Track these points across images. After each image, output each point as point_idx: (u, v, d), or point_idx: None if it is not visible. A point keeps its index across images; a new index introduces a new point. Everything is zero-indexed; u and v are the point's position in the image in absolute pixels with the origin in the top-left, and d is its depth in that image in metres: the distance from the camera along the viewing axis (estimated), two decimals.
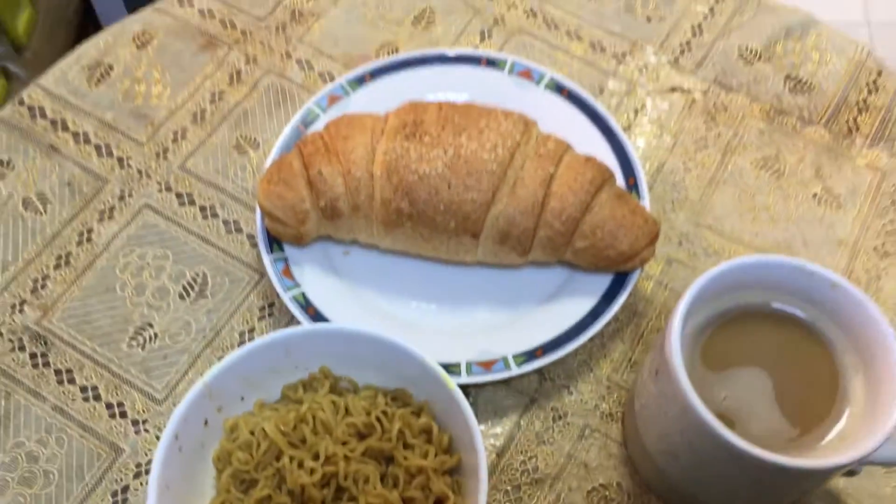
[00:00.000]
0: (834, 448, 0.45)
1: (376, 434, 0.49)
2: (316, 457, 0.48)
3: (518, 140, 0.56)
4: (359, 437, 0.49)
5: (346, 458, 0.48)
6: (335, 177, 0.56)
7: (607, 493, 0.54)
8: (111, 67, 0.70)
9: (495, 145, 0.56)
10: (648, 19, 0.73)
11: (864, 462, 0.47)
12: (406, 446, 0.49)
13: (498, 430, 0.56)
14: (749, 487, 0.46)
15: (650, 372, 0.49)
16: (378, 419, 0.49)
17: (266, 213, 0.57)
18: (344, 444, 0.48)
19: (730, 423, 0.45)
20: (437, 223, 0.56)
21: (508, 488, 0.54)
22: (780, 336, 0.48)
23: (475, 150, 0.55)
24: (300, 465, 0.47)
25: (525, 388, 0.57)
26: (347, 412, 0.50)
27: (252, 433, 0.49)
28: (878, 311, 0.45)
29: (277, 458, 0.48)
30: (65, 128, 0.67)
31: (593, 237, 0.56)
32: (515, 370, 0.55)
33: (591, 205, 0.56)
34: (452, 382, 0.49)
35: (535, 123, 0.58)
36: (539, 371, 0.58)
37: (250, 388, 0.51)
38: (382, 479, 0.48)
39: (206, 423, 0.50)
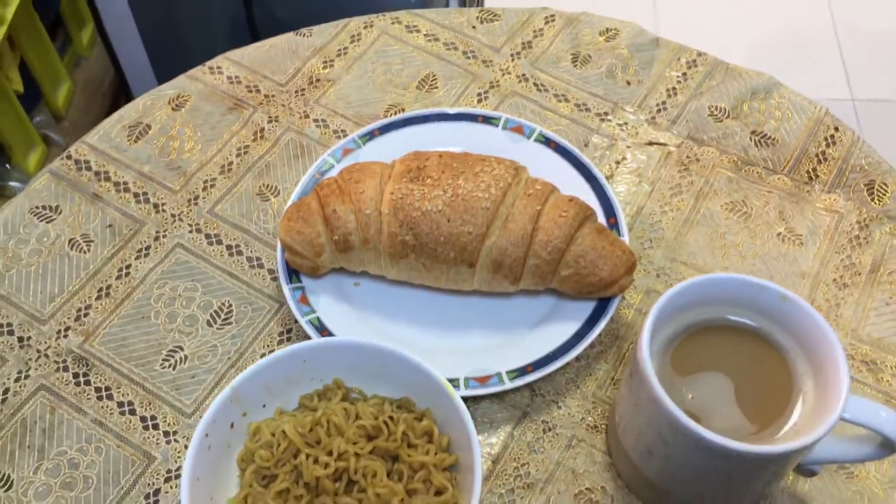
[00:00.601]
0: (788, 440, 0.51)
1: (383, 435, 0.55)
2: (329, 454, 0.54)
3: (510, 182, 0.64)
4: (367, 438, 0.55)
5: (357, 455, 0.54)
6: (348, 214, 0.64)
7: (593, 495, 0.60)
8: (149, 127, 0.79)
9: (489, 185, 0.63)
10: (628, 83, 0.82)
11: (816, 460, 0.53)
12: (410, 446, 0.55)
13: (493, 440, 0.62)
14: (714, 478, 0.51)
15: (627, 379, 0.55)
16: (385, 423, 0.56)
17: (286, 247, 0.65)
18: (354, 443, 0.54)
19: (695, 420, 0.51)
20: (437, 254, 0.63)
21: (503, 491, 0.60)
22: (738, 344, 0.55)
23: (471, 189, 0.63)
24: (315, 461, 0.53)
25: (518, 403, 0.64)
26: (358, 417, 0.56)
27: (273, 435, 0.55)
28: (824, 321, 0.52)
29: (295, 456, 0.54)
30: (107, 178, 0.75)
31: (577, 265, 0.63)
32: (508, 384, 0.61)
33: (574, 237, 0.63)
34: (451, 388, 0.55)
35: (525, 169, 0.66)
36: (530, 387, 0.64)
37: (271, 397, 0.58)
38: (389, 474, 0.54)
39: (232, 426, 0.56)
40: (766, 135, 0.78)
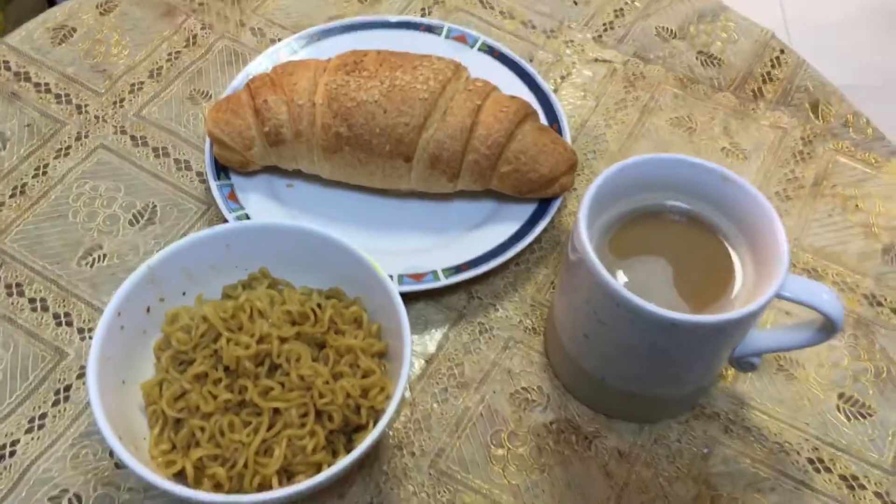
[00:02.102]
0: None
1: (309, 322, 0.52)
2: (251, 337, 0.51)
3: (449, 76, 0.62)
4: (293, 325, 0.52)
5: (280, 339, 0.51)
6: (279, 105, 0.61)
7: (529, 395, 0.58)
8: (74, 30, 0.75)
9: (428, 78, 0.61)
10: (575, 3, 0.80)
11: (755, 349, 0.52)
12: (337, 332, 0.53)
13: (427, 340, 0.60)
14: (649, 358, 0.50)
15: (565, 264, 0.53)
16: (312, 309, 0.53)
17: (214, 140, 0.62)
18: (279, 328, 0.51)
19: None
20: (373, 146, 0.60)
21: (436, 391, 0.58)
22: (676, 229, 0.53)
23: (409, 81, 0.61)
24: (236, 345, 0.50)
25: (454, 305, 0.61)
26: (283, 303, 0.53)
27: (192, 319, 0.52)
28: (765, 199, 0.50)
29: (215, 341, 0.51)
30: (27, 79, 0.71)
31: (517, 162, 0.61)
32: (444, 281, 0.59)
33: (514, 133, 0.61)
34: (381, 270, 0.52)
35: (465, 68, 0.64)
36: (467, 290, 0.62)
37: (192, 284, 0.54)
38: (314, 360, 0.51)
39: (148, 310, 0.53)
40: (712, 55, 0.77)
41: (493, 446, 0.55)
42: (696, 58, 0.77)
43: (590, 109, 0.73)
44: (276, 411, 0.49)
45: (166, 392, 0.50)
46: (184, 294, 0.54)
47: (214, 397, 0.49)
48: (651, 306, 0.46)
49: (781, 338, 0.53)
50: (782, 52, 0.77)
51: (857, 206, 0.68)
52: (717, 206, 0.53)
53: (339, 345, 0.51)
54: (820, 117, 0.73)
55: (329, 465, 0.48)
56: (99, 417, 0.46)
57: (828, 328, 0.50)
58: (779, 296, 0.48)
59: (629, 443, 0.56)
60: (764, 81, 0.75)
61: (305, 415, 0.49)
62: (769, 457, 0.56)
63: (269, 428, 0.48)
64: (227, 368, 0.50)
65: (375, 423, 0.50)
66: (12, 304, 0.59)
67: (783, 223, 0.50)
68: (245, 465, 0.48)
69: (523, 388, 0.58)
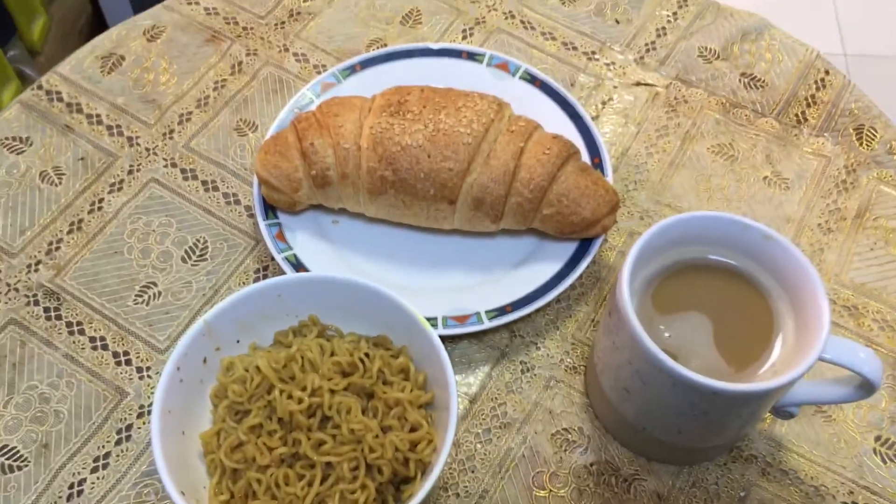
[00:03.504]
0: (766, 379, 0.50)
1: (358, 372, 0.54)
2: (303, 389, 0.53)
3: (492, 118, 0.62)
4: (342, 375, 0.54)
5: (331, 391, 0.53)
6: (326, 148, 0.62)
7: (570, 435, 0.59)
8: (123, 58, 0.76)
9: (471, 121, 0.62)
10: (617, 22, 0.80)
11: (794, 401, 0.53)
12: (385, 383, 0.55)
13: (471, 379, 0.61)
14: (690, 417, 0.51)
15: (606, 318, 0.54)
16: (360, 359, 0.55)
17: (263, 182, 0.63)
18: (329, 379, 0.53)
19: (672, 358, 0.50)
20: (417, 190, 0.61)
21: (479, 431, 0.59)
22: (719, 284, 0.54)
23: (453, 124, 0.61)
24: (289, 397, 0.53)
25: (496, 343, 0.63)
26: (333, 353, 0.55)
27: (246, 370, 0.54)
28: (806, 260, 0.51)
29: (269, 392, 0.53)
30: (79, 110, 0.73)
31: (559, 204, 0.62)
32: (487, 324, 0.60)
33: (557, 175, 0.62)
34: (428, 324, 0.54)
35: (508, 105, 0.65)
36: (509, 328, 0.63)
37: (245, 332, 0.57)
38: (363, 411, 0.53)
39: (204, 360, 0.55)
40: (755, 77, 0.76)
41: (534, 488, 0.57)
42: (740, 80, 0.76)
43: (631, 136, 0.73)
44: (329, 464, 0.51)
45: (224, 443, 0.52)
46: (237, 342, 0.57)
47: (270, 450, 0.52)
48: (693, 375, 0.47)
49: (821, 392, 0.54)
50: (827, 73, 0.77)
51: None
52: (759, 263, 0.53)
53: (388, 397, 0.53)
54: (864, 143, 0.73)
55: None
56: (163, 474, 0.48)
57: (867, 388, 0.51)
58: (820, 358, 0.49)
59: (668, 486, 0.57)
60: (808, 105, 0.75)
61: (356, 468, 0.51)
62: (805, 501, 0.57)
63: (323, 481, 0.51)
64: (280, 420, 0.53)
65: (423, 473, 0.52)
66: (74, 342, 0.62)
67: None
68: None
69: (564, 429, 0.60)
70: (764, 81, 0.76)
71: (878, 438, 0.60)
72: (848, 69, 1.80)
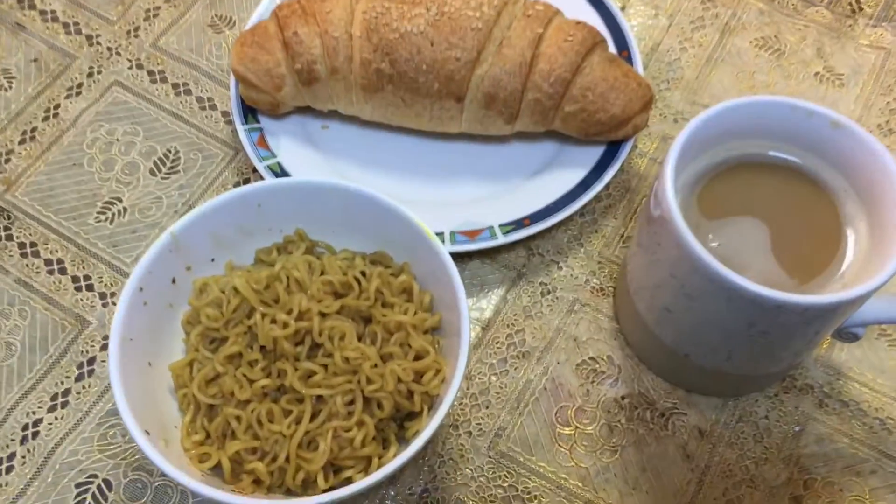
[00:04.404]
0: (836, 292, 0.42)
1: (353, 293, 0.46)
2: (289, 313, 0.45)
3: (505, 0, 0.53)
4: (334, 296, 0.46)
5: (322, 314, 0.45)
6: (312, 38, 0.53)
7: (597, 365, 0.52)
8: None
9: (481, 4, 0.53)
10: None
11: (863, 321, 0.45)
12: (384, 305, 0.47)
13: (483, 304, 0.54)
14: (744, 336, 0.43)
15: (643, 226, 0.46)
16: (355, 278, 0.47)
17: (240, 79, 0.55)
18: (319, 301, 0.46)
19: None
20: (419, 85, 0.53)
21: (494, 361, 0.52)
22: (778, 186, 0.45)
23: (459, 7, 0.52)
24: (273, 322, 0.45)
25: (512, 263, 0.55)
26: (323, 272, 0.47)
27: (222, 291, 0.46)
28: (883, 149, 0.43)
29: (248, 316, 0.46)
30: (31, 6, 0.64)
31: (584, 100, 0.53)
32: (501, 239, 0.52)
33: (581, 66, 0.53)
34: (434, 236, 0.46)
35: None
36: (527, 245, 0.55)
37: (221, 249, 0.48)
38: (360, 337, 0.46)
39: (173, 281, 0.47)
40: None
41: (558, 424, 0.50)
42: None
43: (662, 30, 0.64)
44: (320, 398, 0.44)
45: (198, 375, 0.45)
46: (212, 261, 0.49)
47: (251, 382, 0.44)
48: (755, 286, 0.39)
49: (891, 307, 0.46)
50: None
51: None
52: (825, 158, 0.45)
53: (388, 321, 0.45)
54: None
55: (379, 458, 0.43)
56: (124, 412, 0.41)
57: None
58: None
59: (711, 420, 0.50)
60: None
61: (352, 402, 0.44)
62: (869, 435, 0.50)
63: (313, 418, 0.43)
64: (262, 348, 0.45)
65: (430, 408, 0.45)
66: (27, 265, 0.54)
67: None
68: (287, 460, 0.43)
69: (591, 359, 0.52)
70: None
71: None
72: None
